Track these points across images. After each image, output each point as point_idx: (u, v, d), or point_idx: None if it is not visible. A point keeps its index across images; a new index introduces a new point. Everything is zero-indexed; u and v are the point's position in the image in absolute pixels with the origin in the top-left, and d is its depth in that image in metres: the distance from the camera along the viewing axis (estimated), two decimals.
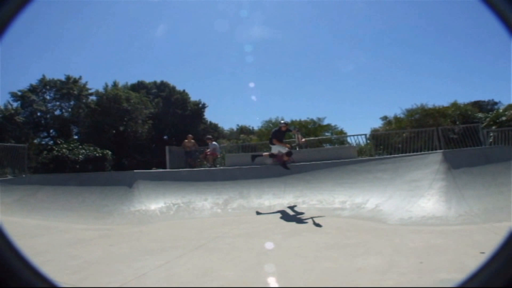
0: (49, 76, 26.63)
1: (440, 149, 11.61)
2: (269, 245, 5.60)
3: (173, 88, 33.65)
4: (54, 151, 13.15)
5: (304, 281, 3.77)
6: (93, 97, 27.40)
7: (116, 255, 5.29)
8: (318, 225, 7.03)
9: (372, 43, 46.76)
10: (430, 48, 45.32)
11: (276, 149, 9.32)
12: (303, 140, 9.83)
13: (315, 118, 24.35)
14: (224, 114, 55.90)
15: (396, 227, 6.52)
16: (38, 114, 25.96)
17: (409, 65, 46.20)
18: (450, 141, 13.69)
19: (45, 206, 9.76)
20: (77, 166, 12.59)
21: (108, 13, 41.92)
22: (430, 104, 20.65)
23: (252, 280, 3.91)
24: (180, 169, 12.70)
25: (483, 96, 44.46)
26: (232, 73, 51.70)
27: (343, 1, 44.72)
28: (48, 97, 26.66)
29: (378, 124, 23.55)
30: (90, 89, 27.62)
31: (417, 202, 7.61)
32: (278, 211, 8.68)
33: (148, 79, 33.96)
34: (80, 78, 27.46)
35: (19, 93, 25.43)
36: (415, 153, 11.09)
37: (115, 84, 29.17)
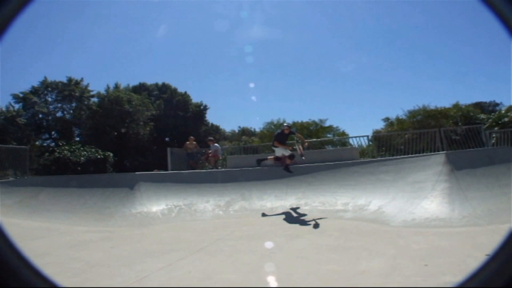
0: (50, 78, 26.69)
1: (443, 150, 11.55)
2: (270, 246, 5.56)
3: (175, 90, 33.65)
4: (56, 153, 13.11)
5: (307, 284, 3.72)
6: (95, 99, 27.40)
7: (117, 257, 5.25)
8: (320, 227, 6.99)
9: (373, 43, 46.75)
10: (431, 48, 45.22)
11: (279, 152, 9.27)
12: (306, 144, 9.76)
13: (317, 120, 24.29)
14: (225, 116, 55.95)
15: (399, 229, 6.47)
16: (40, 116, 25.98)
17: (411, 66, 46.16)
18: (452, 142, 13.61)
19: (47, 208, 9.75)
20: (79, 168, 12.54)
21: (109, 14, 42.02)
22: (432, 105, 20.57)
23: (254, 283, 3.87)
24: (182, 171, 12.68)
25: (484, 97, 44.30)
26: (233, 73, 51.72)
27: (344, 2, 44.72)
28: (49, 99, 26.66)
29: (380, 125, 23.43)
30: (92, 91, 27.62)
31: (420, 203, 7.56)
32: (280, 213, 8.64)
33: (149, 81, 34.02)
34: (81, 80, 27.48)
35: (21, 95, 25.46)
36: (417, 155, 11.04)
37: (116, 86, 29.17)
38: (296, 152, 9.30)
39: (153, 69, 47.47)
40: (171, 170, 13.59)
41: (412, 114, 20.77)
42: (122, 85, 30.21)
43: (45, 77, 26.57)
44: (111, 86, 28.90)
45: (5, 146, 15.02)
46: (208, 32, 50.09)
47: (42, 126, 26.34)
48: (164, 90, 33.33)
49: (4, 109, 24.48)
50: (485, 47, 40.94)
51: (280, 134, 9.37)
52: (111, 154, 13.89)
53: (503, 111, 17.62)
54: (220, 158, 14.46)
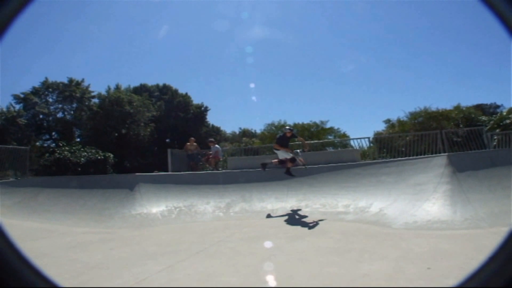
0: (51, 79, 26.74)
1: (444, 152, 11.50)
2: (271, 248, 5.51)
3: (176, 91, 33.68)
4: (56, 154, 13.07)
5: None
6: (96, 100, 27.44)
7: (117, 259, 5.21)
8: (321, 229, 6.94)
9: (374, 45, 46.78)
10: (432, 50, 45.28)
11: (281, 155, 9.23)
12: (307, 148, 9.71)
13: (318, 121, 24.25)
14: (226, 117, 55.92)
15: (401, 232, 6.41)
16: (41, 116, 25.99)
17: (412, 67, 46.13)
18: (454, 144, 13.56)
19: (46, 208, 9.72)
20: (79, 169, 12.51)
21: (110, 14, 42.13)
22: (433, 107, 20.54)
23: (254, 285, 3.82)
24: (182, 172, 12.64)
25: (485, 99, 44.23)
26: (234, 75, 51.75)
27: (345, 3, 44.76)
28: (50, 100, 26.69)
29: (381, 127, 23.41)
30: (93, 91, 27.65)
31: (422, 206, 7.50)
32: (281, 215, 8.59)
33: (150, 82, 34.08)
34: (82, 80, 27.52)
35: (22, 95, 25.50)
36: (419, 156, 10.98)
37: (117, 87, 29.22)
38: (297, 155, 9.26)
39: (154, 70, 47.68)
40: (172, 171, 13.55)
41: (414, 115, 20.74)
42: (123, 86, 30.30)
43: (46, 78, 26.66)
44: (112, 87, 28.98)
45: (5, 146, 15.01)
46: (208, 33, 50.25)
47: (43, 126, 26.35)
48: (165, 91, 33.35)
49: (4, 109, 24.52)
50: (486, 49, 41.00)
51: (281, 137, 9.33)
52: (112, 155, 13.85)
53: (504, 113, 17.55)
54: (221, 159, 14.41)
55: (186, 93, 33.88)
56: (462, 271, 3.75)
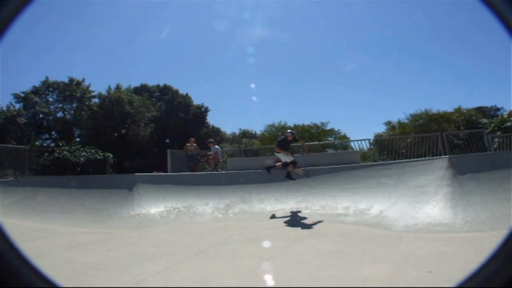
0: (52, 78, 26.67)
1: (445, 154, 11.45)
2: (270, 250, 5.47)
3: (176, 91, 33.63)
4: (55, 153, 13.02)
5: None
6: (96, 100, 27.39)
7: (114, 260, 5.16)
8: (321, 231, 6.89)
9: (375, 47, 46.63)
10: (432, 51, 45.17)
11: (283, 158, 9.18)
12: (307, 153, 9.65)
13: (318, 123, 24.21)
14: (226, 118, 55.82)
15: (401, 234, 6.37)
16: (41, 115, 25.91)
17: (412, 69, 46.05)
18: (454, 146, 13.51)
19: (45, 208, 9.66)
20: (78, 169, 12.47)
21: (111, 14, 42.10)
22: (434, 109, 20.51)
23: None
24: (182, 173, 12.59)
25: (485, 102, 44.15)
26: (235, 76, 51.75)
27: (346, 5, 44.77)
28: (50, 99, 26.61)
29: (381, 129, 23.34)
30: (93, 91, 27.58)
31: (423, 208, 7.46)
32: (281, 217, 8.55)
33: (151, 82, 33.99)
34: (83, 80, 27.45)
35: (22, 95, 25.44)
36: (419, 159, 10.93)
37: (118, 87, 29.17)
38: (298, 159, 9.22)
39: (155, 70, 47.63)
40: (171, 171, 13.50)
41: (414, 118, 20.71)
42: (124, 86, 30.24)
43: (47, 77, 26.57)
44: (113, 87, 28.93)
45: (4, 145, 14.97)
46: (209, 34, 50.16)
47: (43, 126, 26.29)
48: (166, 92, 33.30)
49: (4, 108, 24.46)
50: (486, 51, 40.94)
51: (283, 140, 9.28)
52: (111, 155, 13.80)
53: (505, 116, 17.52)
54: (221, 160, 14.36)
55: (187, 94, 33.86)
56: (463, 274, 3.69)
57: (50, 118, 26.36)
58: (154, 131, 28.06)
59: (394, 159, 12.60)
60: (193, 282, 4.02)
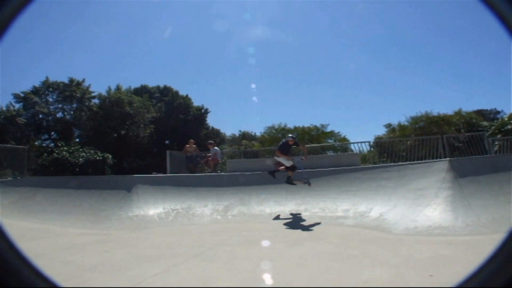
0: (52, 78, 26.63)
1: (445, 157, 11.42)
2: (269, 253, 5.41)
3: (176, 92, 33.59)
4: (54, 154, 12.99)
5: None
6: (96, 100, 27.32)
7: (112, 261, 5.10)
8: (320, 234, 6.83)
9: (375, 49, 46.68)
10: (433, 54, 45.10)
11: (283, 162, 9.14)
12: (306, 159, 9.61)
13: (318, 125, 24.18)
14: (226, 120, 55.86)
15: (401, 237, 6.32)
16: (40, 116, 25.83)
17: (413, 71, 46.05)
18: (455, 149, 13.49)
19: (43, 208, 9.62)
20: (77, 169, 12.43)
21: (112, 14, 42.12)
22: (434, 112, 20.48)
23: None
24: (181, 174, 12.54)
25: (485, 105, 44.13)
26: (235, 78, 51.76)
27: (347, 5, 44.82)
28: (50, 99, 26.54)
29: (382, 131, 23.31)
30: (93, 92, 27.52)
31: (423, 211, 7.41)
32: (280, 219, 8.49)
33: (151, 83, 33.97)
34: (83, 80, 27.40)
35: (22, 95, 25.38)
36: (420, 161, 10.89)
37: (118, 88, 29.12)
38: (297, 162, 9.18)
39: (155, 71, 47.65)
40: (170, 173, 13.46)
41: (415, 120, 20.68)
42: (124, 86, 30.17)
43: (47, 77, 26.52)
44: (113, 87, 28.88)
45: (3, 145, 14.92)
46: (210, 34, 50.22)
47: (42, 126, 26.22)
48: (166, 93, 33.26)
49: (4, 108, 24.40)
50: (486, 54, 40.95)
51: (284, 144, 9.25)
52: (110, 156, 13.76)
53: (506, 118, 17.47)
54: (220, 162, 14.32)
55: (187, 95, 33.82)
56: None
57: (50, 118, 26.30)
58: (154, 132, 27.99)
59: (394, 162, 12.56)
60: (192, 284, 3.97)
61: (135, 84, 34.75)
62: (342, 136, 24.30)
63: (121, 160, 22.84)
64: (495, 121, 19.42)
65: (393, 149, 14.30)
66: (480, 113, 25.72)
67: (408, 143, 14.72)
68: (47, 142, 26.38)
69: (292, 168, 9.07)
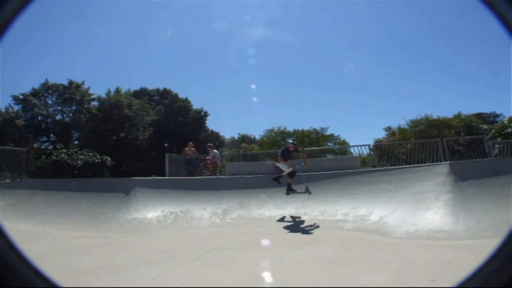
0: (52, 80, 26.65)
1: (445, 160, 11.38)
2: (268, 257, 5.36)
3: (176, 95, 33.60)
4: (53, 156, 12.96)
5: None
6: (95, 103, 27.31)
7: (109, 265, 5.04)
8: (320, 237, 6.78)
9: (375, 50, 46.72)
10: (433, 57, 45.15)
11: (283, 167, 9.09)
12: (305, 165, 9.56)
13: (318, 128, 24.11)
14: (225, 123, 55.76)
15: (402, 241, 6.27)
16: (39, 118, 25.82)
17: (413, 75, 46.09)
18: (454, 152, 13.44)
19: (40, 211, 9.55)
20: (76, 172, 12.40)
21: (112, 15, 42.13)
22: (434, 115, 20.46)
23: None
24: (179, 177, 12.48)
25: (485, 108, 44.16)
26: (235, 80, 51.75)
27: (347, 6, 44.95)
28: (50, 101, 26.56)
29: (381, 134, 23.24)
30: (92, 94, 27.54)
31: (424, 214, 7.35)
32: (279, 222, 8.44)
33: (151, 85, 34.00)
34: (83, 83, 27.43)
35: (21, 96, 25.37)
36: (420, 165, 10.85)
37: (117, 90, 29.13)
38: (297, 167, 9.14)
39: (155, 74, 47.52)
40: (169, 175, 13.39)
41: (414, 123, 20.63)
42: (123, 89, 30.19)
43: (46, 79, 26.54)
44: (112, 90, 28.89)
45: (2, 147, 14.86)
46: (210, 36, 50.24)
47: (41, 128, 26.20)
48: (165, 96, 33.28)
49: (3, 110, 24.36)
50: (486, 56, 41.02)
51: (285, 150, 9.23)
52: (109, 158, 13.73)
53: (506, 122, 17.46)
54: (219, 164, 14.27)
55: (186, 98, 33.82)
56: None
57: (49, 120, 26.28)
58: (153, 135, 27.96)
59: (394, 165, 12.51)
60: None
61: (135, 86, 34.89)
62: (341, 139, 24.23)
63: (120, 163, 22.77)
64: (495, 124, 19.41)
65: (393, 153, 14.25)
66: (480, 116, 25.70)
67: (408, 146, 14.68)
68: (46, 144, 26.36)
69: (292, 174, 9.03)
